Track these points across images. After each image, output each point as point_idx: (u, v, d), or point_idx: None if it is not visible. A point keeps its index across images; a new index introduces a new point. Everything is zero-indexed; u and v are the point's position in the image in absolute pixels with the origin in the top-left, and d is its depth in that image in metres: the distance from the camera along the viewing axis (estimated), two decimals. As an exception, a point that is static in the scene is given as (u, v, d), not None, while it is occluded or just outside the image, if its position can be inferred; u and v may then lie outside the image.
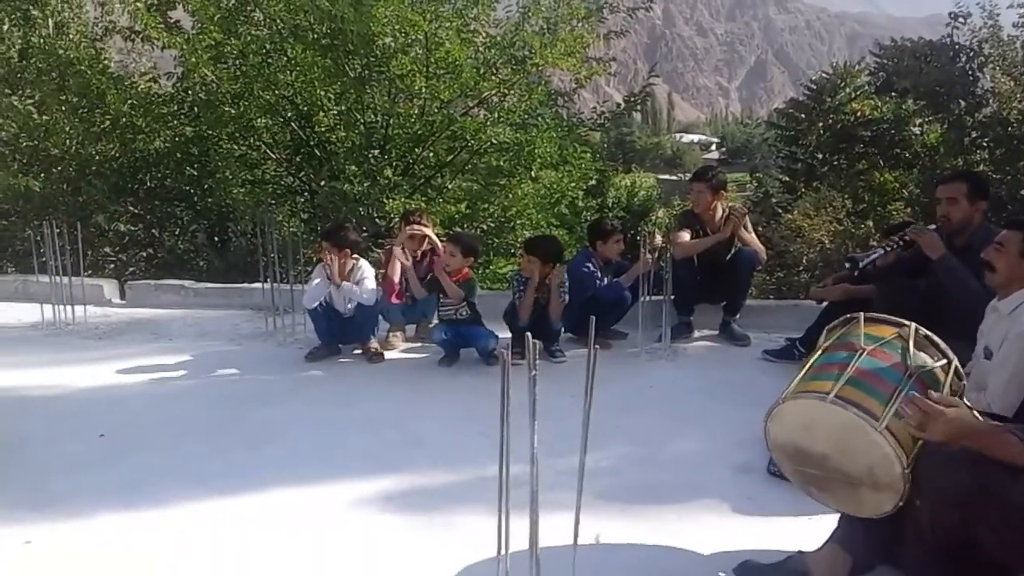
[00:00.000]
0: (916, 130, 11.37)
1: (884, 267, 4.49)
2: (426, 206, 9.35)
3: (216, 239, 12.37)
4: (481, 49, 10.37)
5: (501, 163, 10.46)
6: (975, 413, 2.51)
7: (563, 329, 5.58)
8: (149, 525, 3.26)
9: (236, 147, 11.01)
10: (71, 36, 11.42)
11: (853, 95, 18.73)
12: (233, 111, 10.09)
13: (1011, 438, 2.25)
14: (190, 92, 10.77)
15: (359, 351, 5.62)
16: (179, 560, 3.00)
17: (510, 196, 10.57)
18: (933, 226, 4.32)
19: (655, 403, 4.62)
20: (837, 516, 2.70)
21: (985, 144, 11.00)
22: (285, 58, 9.83)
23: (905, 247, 4.39)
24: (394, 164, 10.24)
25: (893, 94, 11.64)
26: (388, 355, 5.62)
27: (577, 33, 10.35)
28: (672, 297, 5.62)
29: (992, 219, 8.93)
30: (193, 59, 9.78)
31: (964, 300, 3.82)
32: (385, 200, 9.44)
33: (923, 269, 4.27)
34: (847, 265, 4.63)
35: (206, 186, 11.40)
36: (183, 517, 3.32)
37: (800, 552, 2.70)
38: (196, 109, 10.68)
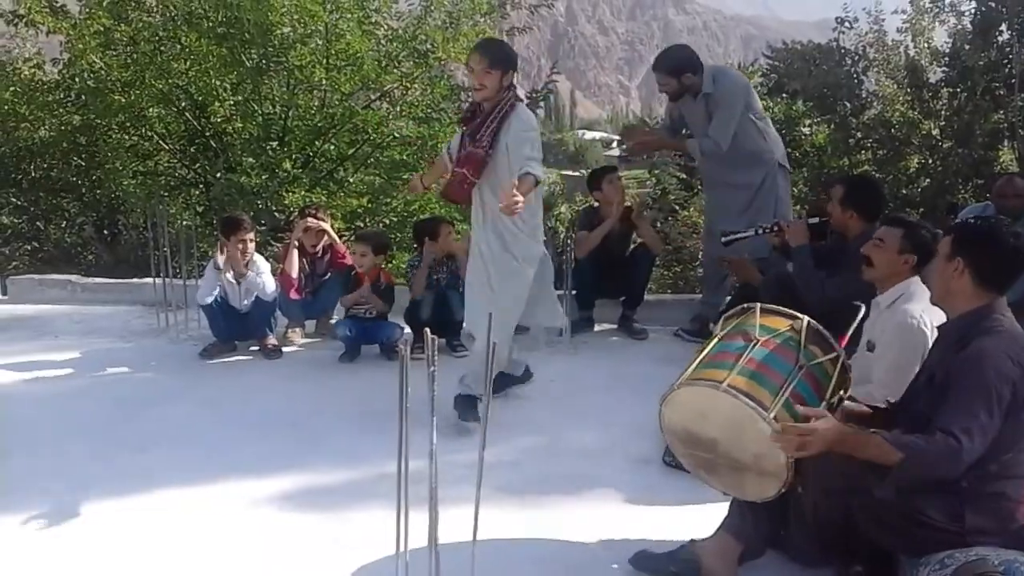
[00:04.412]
0: (806, 130, 11.74)
1: (780, 251, 4.67)
2: (327, 200, 9.22)
3: (105, 232, 11.91)
4: (383, 42, 10.29)
5: (404, 157, 10.40)
6: (858, 405, 2.66)
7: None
8: (30, 531, 3.13)
9: (127, 137, 10.63)
10: (-50, 19, 10.80)
11: (747, 96, 19.25)
12: (123, 100, 9.71)
13: (876, 438, 2.40)
14: (77, 79, 10.30)
15: (256, 348, 5.50)
16: (64, 567, 2.89)
17: (413, 190, 10.50)
18: (816, 219, 4.52)
19: (555, 396, 4.66)
20: (728, 505, 2.78)
21: (869, 145, 11.47)
22: (179, 46, 9.54)
23: (777, 232, 4.59)
24: (294, 157, 10.05)
25: (784, 95, 11.98)
26: (286, 351, 5.52)
27: (480, 28, 10.37)
28: (573, 292, 5.70)
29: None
30: (80, 45, 9.40)
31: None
32: (284, 193, 9.26)
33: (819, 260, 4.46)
34: (722, 239, 4.87)
35: (95, 177, 10.98)
36: (68, 523, 3.20)
37: (692, 540, 2.77)
38: (84, 97, 10.24)
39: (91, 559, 2.95)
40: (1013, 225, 2.75)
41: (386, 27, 10.47)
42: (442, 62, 10.42)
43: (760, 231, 4.68)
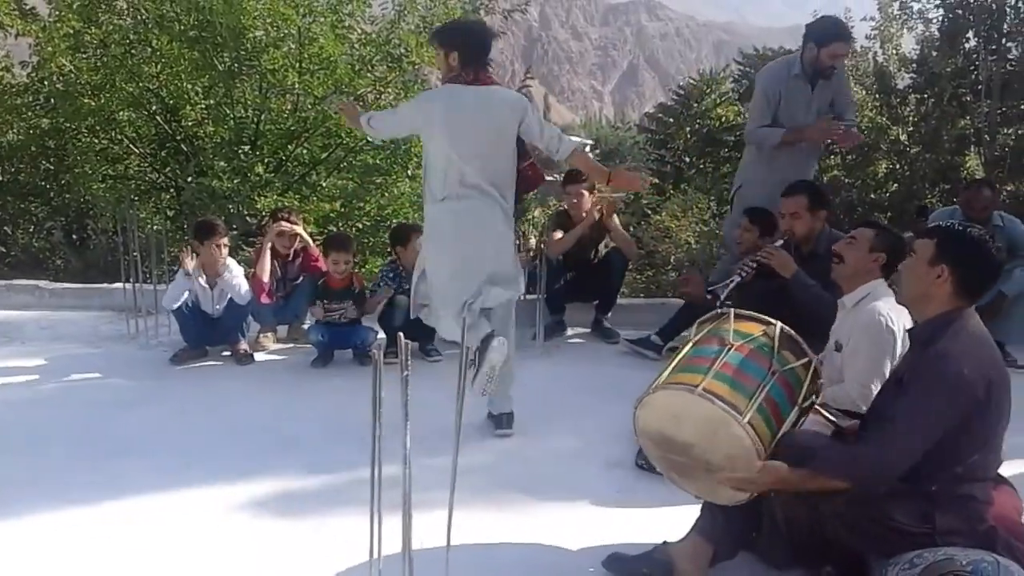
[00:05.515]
0: (776, 135, 11.89)
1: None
2: (299, 204, 9.18)
3: (74, 237, 11.79)
4: (356, 45, 10.27)
5: (377, 161, 10.38)
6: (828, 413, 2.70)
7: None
8: (2, 538, 3.08)
9: (96, 140, 10.53)
10: (-83, 21, 10.65)
11: (718, 101, 19.45)
12: (93, 103, 9.63)
13: (812, 473, 2.43)
14: (46, 83, 10.21)
15: (227, 353, 5.46)
16: (36, 573, 2.85)
17: (386, 195, 10.49)
18: (780, 241, 4.50)
19: (528, 400, 4.64)
20: (700, 507, 2.80)
21: (838, 150, 11.60)
22: (150, 49, 9.48)
23: (757, 268, 4.55)
24: (266, 161, 10.00)
25: (755, 100, 12.13)
26: (258, 356, 5.48)
27: (454, 33, 10.35)
28: (544, 296, 5.71)
29: (844, 220, 9.46)
30: (50, 48, 9.33)
31: (818, 311, 4.01)
32: (256, 198, 9.21)
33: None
34: (708, 297, 4.69)
35: (63, 181, 10.86)
36: (40, 530, 3.15)
37: (664, 543, 2.79)
38: (53, 100, 10.15)
39: (62, 565, 2.91)
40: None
41: (359, 31, 10.46)
42: (416, 66, 10.42)
43: (744, 274, 4.59)
